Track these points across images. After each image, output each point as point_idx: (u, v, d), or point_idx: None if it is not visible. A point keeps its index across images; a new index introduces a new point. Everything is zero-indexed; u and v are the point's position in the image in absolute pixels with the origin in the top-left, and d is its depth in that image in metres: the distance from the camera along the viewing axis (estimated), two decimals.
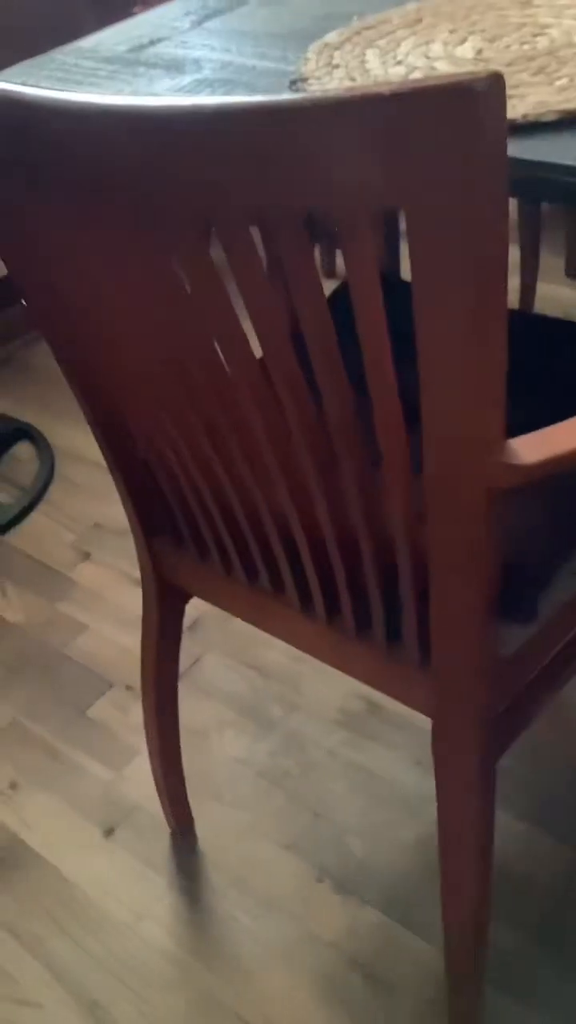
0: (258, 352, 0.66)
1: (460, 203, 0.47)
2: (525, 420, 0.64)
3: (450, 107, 0.42)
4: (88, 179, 0.58)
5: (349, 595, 0.81)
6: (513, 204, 1.99)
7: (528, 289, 2.01)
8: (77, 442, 2.02)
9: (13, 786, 1.36)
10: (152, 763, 1.21)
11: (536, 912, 1.11)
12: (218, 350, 0.67)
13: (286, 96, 0.46)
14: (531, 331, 1.06)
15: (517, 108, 0.76)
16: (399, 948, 1.10)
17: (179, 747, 1.19)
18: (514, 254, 2.03)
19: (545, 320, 1.08)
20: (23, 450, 2.06)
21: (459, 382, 0.57)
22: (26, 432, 2.10)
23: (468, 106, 0.42)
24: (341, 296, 0.84)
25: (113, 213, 0.61)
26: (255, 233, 0.59)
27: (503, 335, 0.55)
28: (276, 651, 1.48)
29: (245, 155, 0.49)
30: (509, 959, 1.08)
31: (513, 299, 2.07)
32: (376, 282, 0.55)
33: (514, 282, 2.05)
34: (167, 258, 0.62)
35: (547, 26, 0.92)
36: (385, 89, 0.42)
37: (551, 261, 2.20)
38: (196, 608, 1.56)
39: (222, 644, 1.52)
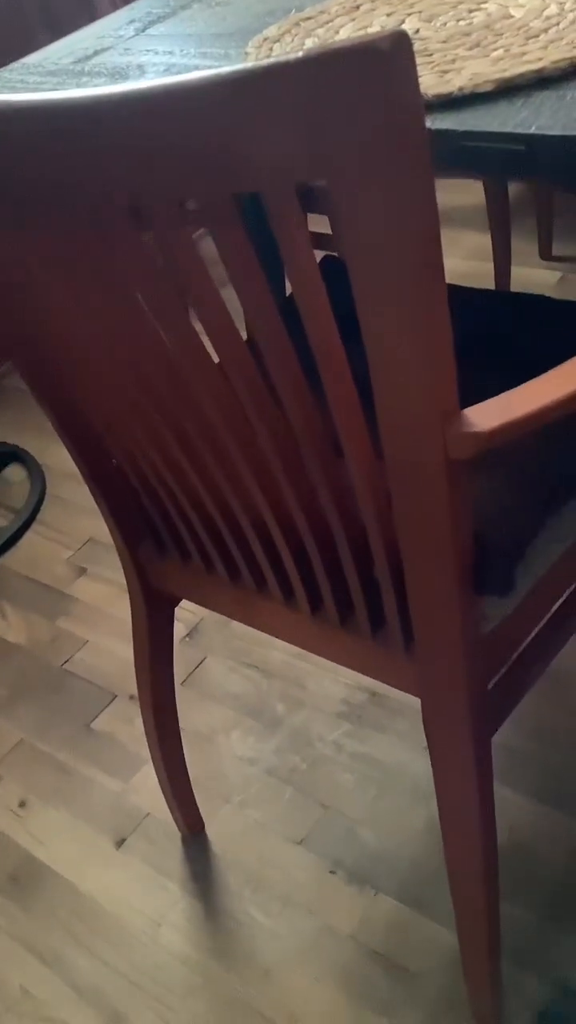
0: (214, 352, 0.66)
1: (381, 168, 0.47)
2: (496, 391, 0.64)
3: (358, 69, 0.42)
4: (19, 183, 0.58)
5: (329, 584, 0.81)
6: (479, 189, 1.99)
7: (502, 272, 2.01)
8: (66, 460, 2.02)
9: (23, 804, 1.36)
10: (157, 769, 1.21)
11: (548, 886, 1.11)
12: (174, 353, 0.68)
13: (193, 75, 0.46)
14: (495, 306, 1.06)
15: (453, 82, 0.76)
16: (416, 934, 1.10)
17: (182, 751, 1.19)
18: (486, 240, 2.03)
19: (506, 295, 1.08)
20: (14, 472, 2.07)
21: (405, 355, 0.57)
22: (15, 455, 2.10)
23: (375, 66, 0.42)
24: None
25: (49, 217, 0.61)
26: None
27: (443, 302, 0.55)
28: (277, 650, 1.48)
29: (160, 139, 0.50)
30: (524, 934, 1.07)
31: (489, 284, 2.07)
32: (311, 260, 0.55)
33: (487, 267, 2.05)
34: (109, 259, 0.62)
35: (483, 1, 0.92)
36: (292, 58, 0.42)
37: (524, 246, 2.21)
38: (195, 614, 1.57)
39: (223, 647, 1.52)
